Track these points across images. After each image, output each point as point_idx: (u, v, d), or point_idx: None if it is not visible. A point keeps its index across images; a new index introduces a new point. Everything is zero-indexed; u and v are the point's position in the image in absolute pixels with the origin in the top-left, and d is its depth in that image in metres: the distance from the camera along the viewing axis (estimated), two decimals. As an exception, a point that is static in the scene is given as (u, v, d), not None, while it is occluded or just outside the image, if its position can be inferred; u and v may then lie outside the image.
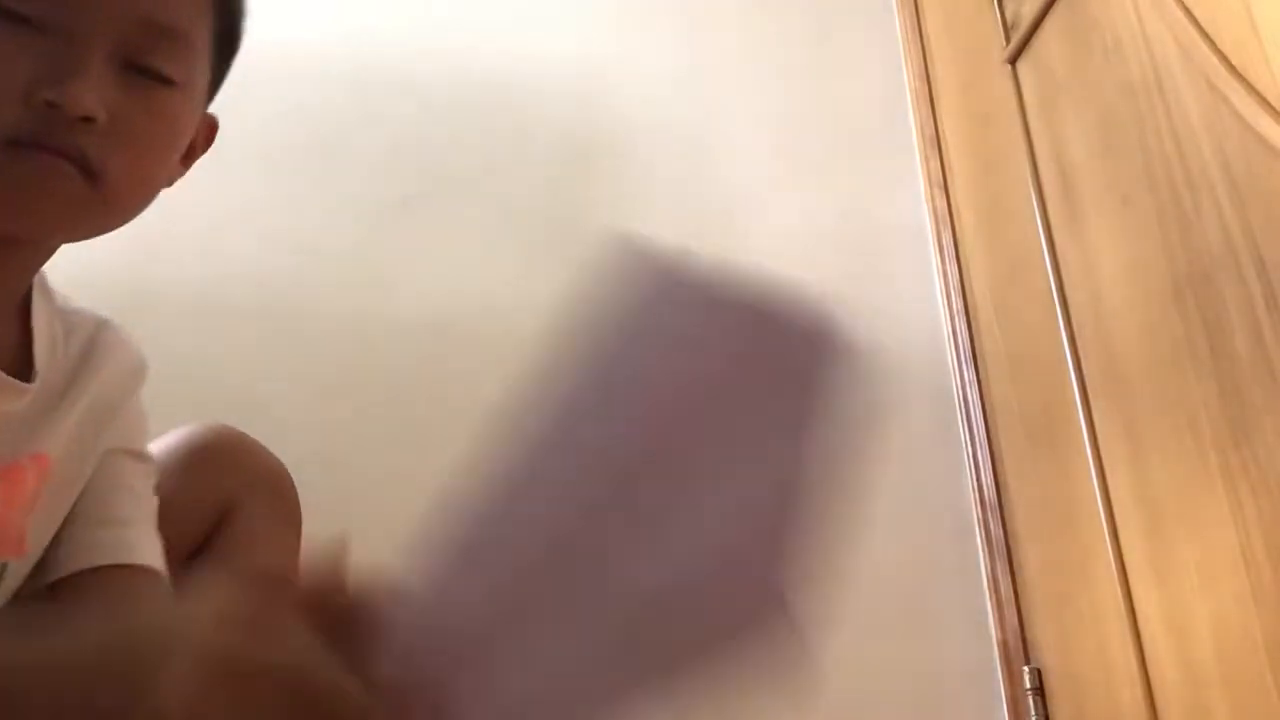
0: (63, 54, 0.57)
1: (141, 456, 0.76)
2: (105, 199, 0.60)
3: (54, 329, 0.70)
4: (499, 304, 1.49)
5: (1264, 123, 1.00)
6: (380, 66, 1.62)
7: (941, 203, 1.67)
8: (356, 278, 1.48)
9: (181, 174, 0.73)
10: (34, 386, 0.65)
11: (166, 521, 0.77)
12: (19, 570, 0.67)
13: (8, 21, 0.57)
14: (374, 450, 1.37)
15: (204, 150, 0.76)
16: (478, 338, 1.46)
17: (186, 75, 0.64)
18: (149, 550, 0.72)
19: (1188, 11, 1.13)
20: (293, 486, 0.87)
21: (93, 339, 0.72)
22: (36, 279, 0.69)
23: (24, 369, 0.66)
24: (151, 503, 0.76)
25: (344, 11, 1.65)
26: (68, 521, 0.70)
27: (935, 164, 1.70)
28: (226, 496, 0.81)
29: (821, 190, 1.68)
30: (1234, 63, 1.06)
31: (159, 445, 0.81)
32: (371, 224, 1.52)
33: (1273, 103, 1.00)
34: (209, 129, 0.76)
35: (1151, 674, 1.14)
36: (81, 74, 0.57)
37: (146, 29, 0.61)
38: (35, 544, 0.68)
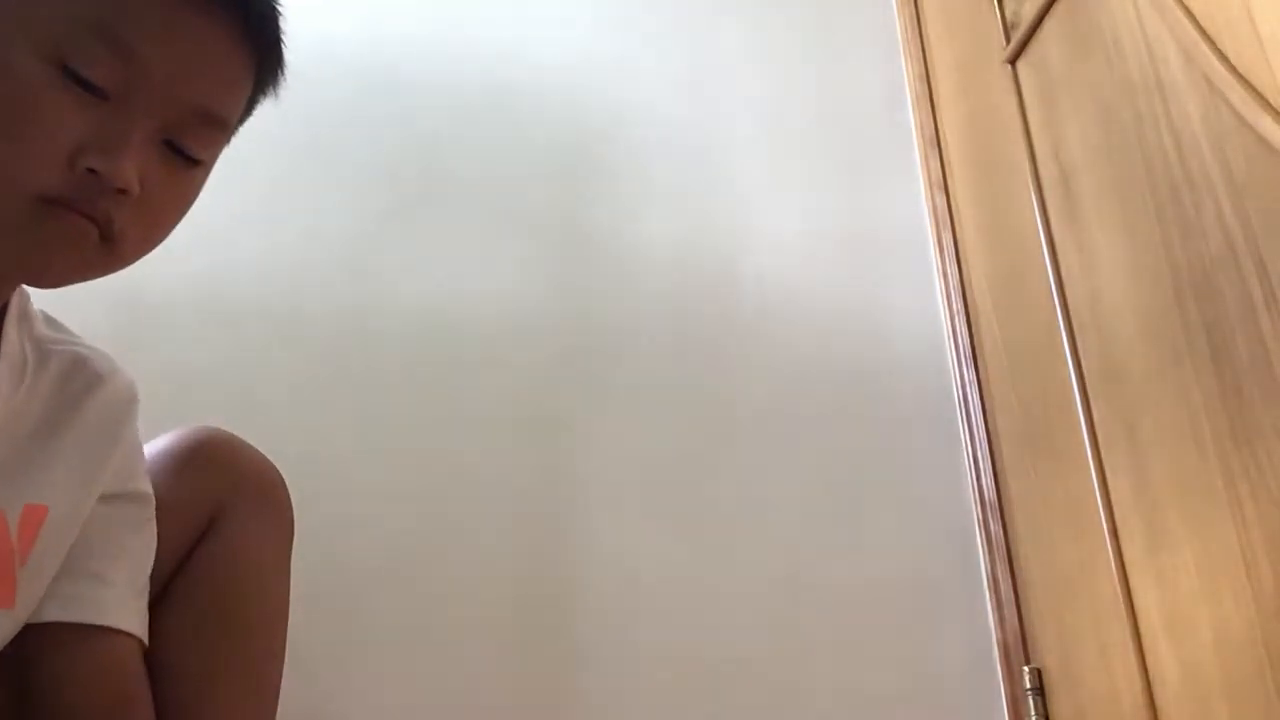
0: (113, 124, 0.58)
1: (136, 496, 0.75)
2: (110, 261, 0.62)
3: (24, 354, 0.69)
4: (499, 304, 1.49)
5: (1264, 123, 1.00)
6: (381, 67, 1.62)
7: (941, 203, 1.67)
8: (356, 279, 1.47)
9: None
10: None
11: (157, 525, 0.76)
12: (7, 624, 0.65)
13: (71, 82, 0.57)
14: (373, 450, 1.37)
15: None
16: (477, 338, 1.46)
17: (211, 157, 0.67)
18: (128, 614, 0.71)
19: (1188, 11, 1.13)
20: (284, 488, 0.86)
21: (68, 374, 0.71)
22: (16, 298, 0.68)
23: None
24: (143, 552, 0.74)
25: (344, 12, 1.65)
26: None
27: (935, 164, 1.70)
28: (216, 499, 0.80)
29: (821, 190, 1.68)
30: (1234, 63, 1.06)
31: (150, 448, 0.80)
32: (371, 225, 1.52)
33: (1273, 103, 1.00)
34: None
35: (1151, 674, 1.14)
36: (128, 148, 0.59)
37: (198, 116, 0.63)
38: (27, 599, 0.66)
